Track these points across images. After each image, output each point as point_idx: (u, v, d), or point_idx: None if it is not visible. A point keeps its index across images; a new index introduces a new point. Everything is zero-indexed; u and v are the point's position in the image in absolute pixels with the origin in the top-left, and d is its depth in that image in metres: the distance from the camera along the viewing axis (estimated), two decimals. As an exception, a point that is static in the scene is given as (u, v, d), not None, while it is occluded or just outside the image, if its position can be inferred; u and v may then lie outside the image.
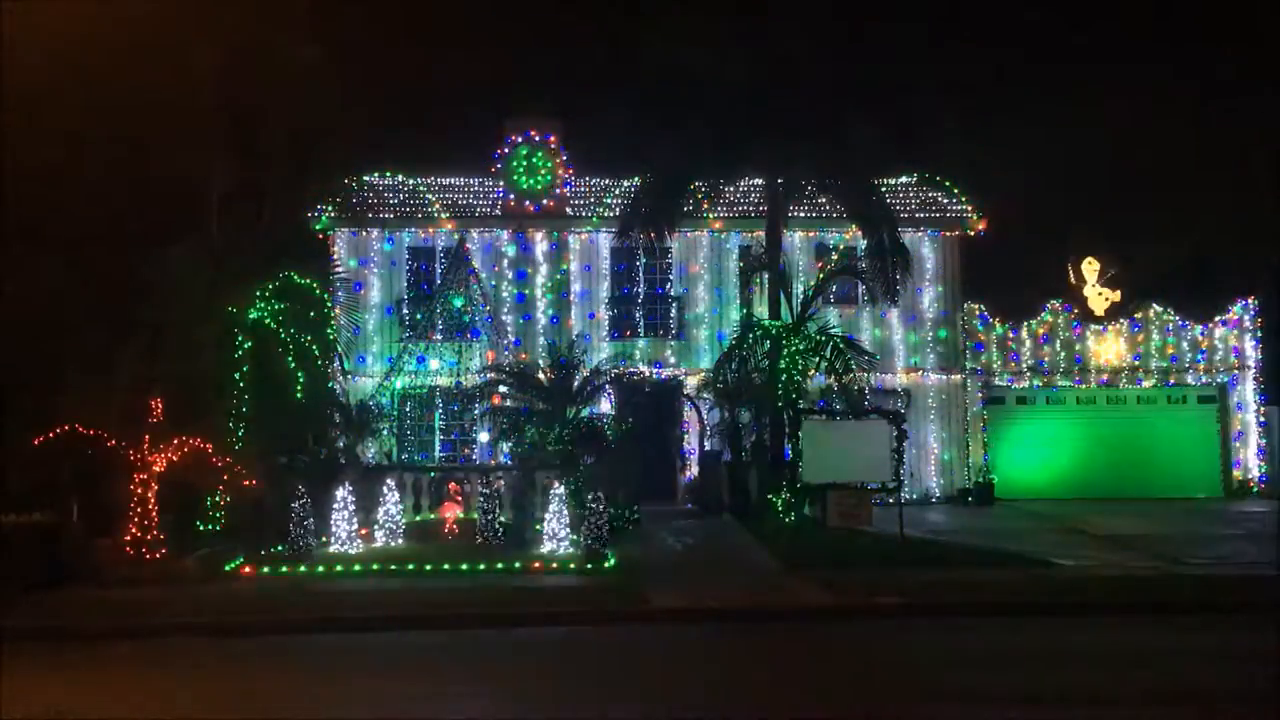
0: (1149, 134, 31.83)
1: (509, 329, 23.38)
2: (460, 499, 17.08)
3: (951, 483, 24.03)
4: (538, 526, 15.85)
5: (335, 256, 23.24)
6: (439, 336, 22.58)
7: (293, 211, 20.62)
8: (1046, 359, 24.71)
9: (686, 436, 23.66)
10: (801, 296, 20.86)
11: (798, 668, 9.86)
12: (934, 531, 18.08)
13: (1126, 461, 24.26)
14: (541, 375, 20.13)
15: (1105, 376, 24.73)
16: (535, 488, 16.82)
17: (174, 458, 15.47)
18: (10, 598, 12.28)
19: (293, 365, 17.47)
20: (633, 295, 24.22)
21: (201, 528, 16.19)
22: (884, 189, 22.39)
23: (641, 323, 24.16)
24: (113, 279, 17.39)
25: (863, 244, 21.67)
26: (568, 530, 15.41)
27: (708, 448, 22.31)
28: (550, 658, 10.41)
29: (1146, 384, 24.83)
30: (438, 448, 23.45)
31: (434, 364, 22.69)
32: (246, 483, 15.92)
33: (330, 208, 22.88)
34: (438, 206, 23.57)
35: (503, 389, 20.59)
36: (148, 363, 16.37)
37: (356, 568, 14.47)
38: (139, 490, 15.08)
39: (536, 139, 23.76)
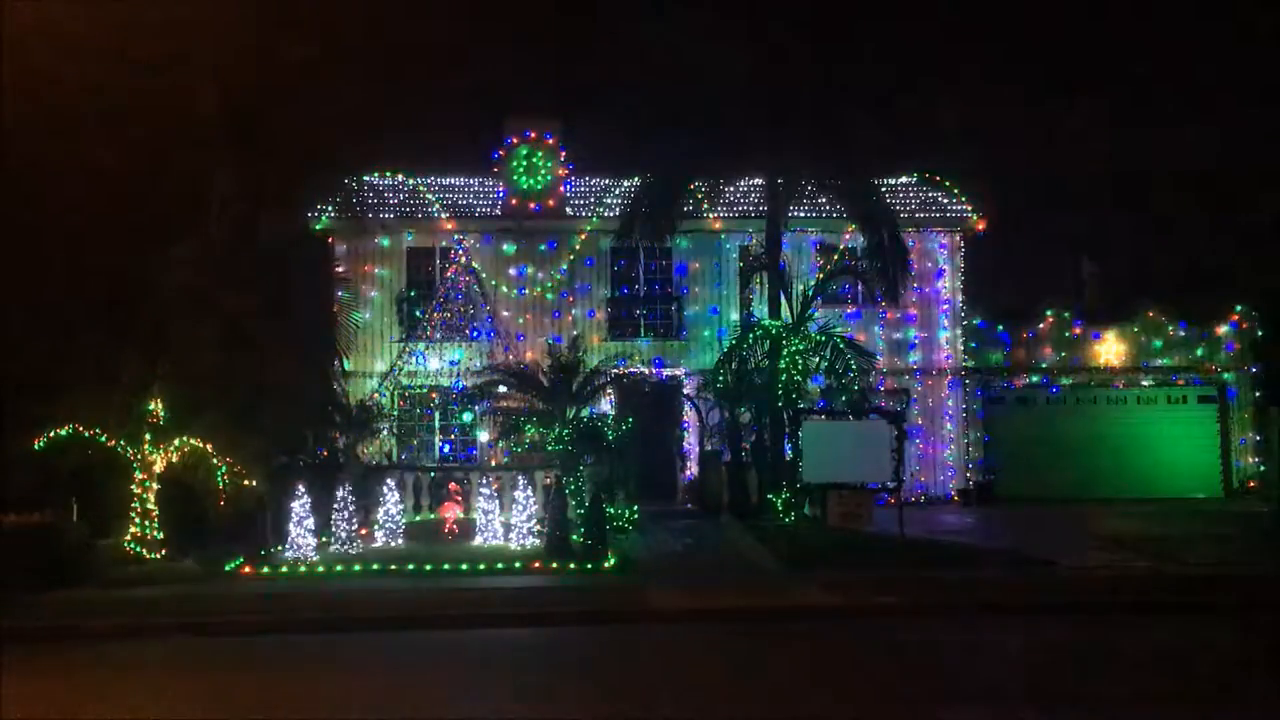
0: (1150, 133, 31.87)
1: (509, 329, 23.38)
2: (460, 499, 17.09)
3: (951, 483, 24.04)
4: (538, 527, 15.85)
5: (335, 256, 23.23)
6: (439, 336, 22.59)
7: (293, 211, 20.61)
8: (1046, 359, 24.70)
9: (686, 436, 23.65)
10: (801, 296, 20.86)
11: (798, 668, 9.86)
12: (934, 531, 18.07)
13: (1126, 461, 24.24)
14: (541, 375, 20.10)
15: (1105, 376, 24.72)
16: (535, 487, 16.82)
17: (174, 458, 15.49)
18: (10, 598, 12.28)
19: (293, 365, 17.47)
20: (633, 295, 24.21)
21: (201, 528, 16.19)
22: (884, 189, 22.38)
23: (641, 323, 24.15)
24: (113, 279, 17.37)
25: (863, 244, 21.67)
26: (568, 530, 15.39)
27: (708, 448, 22.30)
28: (550, 658, 10.41)
29: (1146, 384, 24.82)
30: (438, 448, 23.46)
31: (434, 364, 22.69)
32: (246, 483, 15.93)
33: (330, 208, 22.88)
34: (438, 206, 23.57)
35: (503, 389, 20.58)
36: (148, 363, 16.37)
37: (356, 568, 14.47)
38: (139, 490, 15.09)
39: (536, 139, 23.75)
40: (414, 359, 22.51)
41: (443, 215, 23.48)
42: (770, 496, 19.53)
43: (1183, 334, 24.77)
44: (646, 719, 8.21)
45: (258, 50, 18.21)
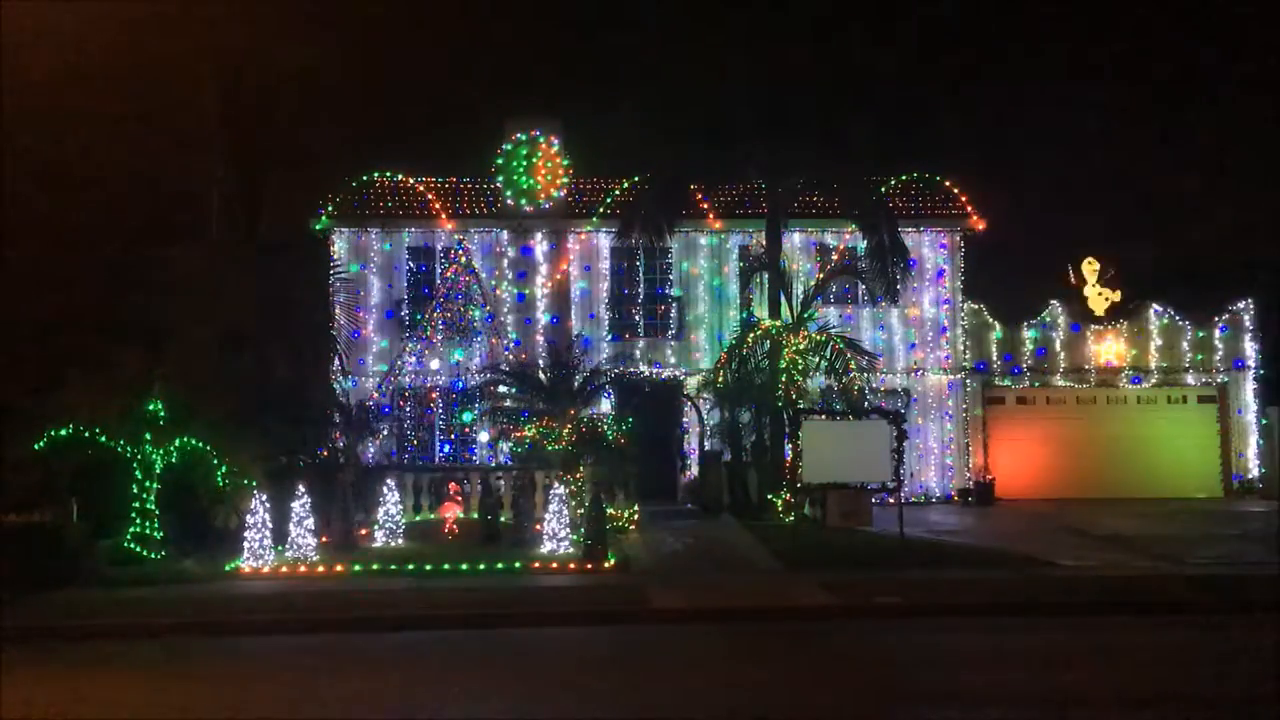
0: (1149, 133, 31.89)
1: (509, 329, 23.38)
2: (460, 499, 17.09)
3: (951, 483, 24.04)
4: (537, 526, 15.85)
5: (335, 256, 23.24)
6: (439, 337, 22.60)
7: (293, 211, 20.65)
8: (1047, 359, 24.70)
9: (686, 436, 23.64)
10: (801, 296, 20.86)
11: (798, 668, 9.86)
12: (934, 531, 18.08)
13: (1126, 461, 24.25)
14: (541, 375, 20.13)
15: (1105, 376, 24.72)
16: (535, 488, 16.82)
17: (174, 458, 15.50)
18: (10, 598, 12.28)
19: (293, 365, 17.50)
20: (633, 295, 24.21)
21: (201, 528, 16.20)
22: (884, 189, 22.39)
23: (641, 323, 24.15)
24: (113, 279, 17.40)
25: (863, 244, 21.67)
26: (568, 530, 15.41)
27: (708, 448, 22.30)
28: (551, 658, 10.41)
29: (1146, 384, 24.82)
30: (438, 448, 23.45)
31: (434, 364, 22.70)
32: (246, 483, 15.93)
33: (330, 208, 22.88)
34: (438, 206, 23.57)
35: (503, 389, 20.59)
36: (148, 363, 16.38)
37: (356, 568, 14.47)
38: (139, 490, 15.09)
39: (536, 139, 23.75)
40: (414, 359, 22.51)
41: (443, 215, 23.47)
42: (770, 496, 19.54)
43: (1183, 333, 24.77)
44: (646, 718, 8.21)
45: (259, 51, 18.27)
